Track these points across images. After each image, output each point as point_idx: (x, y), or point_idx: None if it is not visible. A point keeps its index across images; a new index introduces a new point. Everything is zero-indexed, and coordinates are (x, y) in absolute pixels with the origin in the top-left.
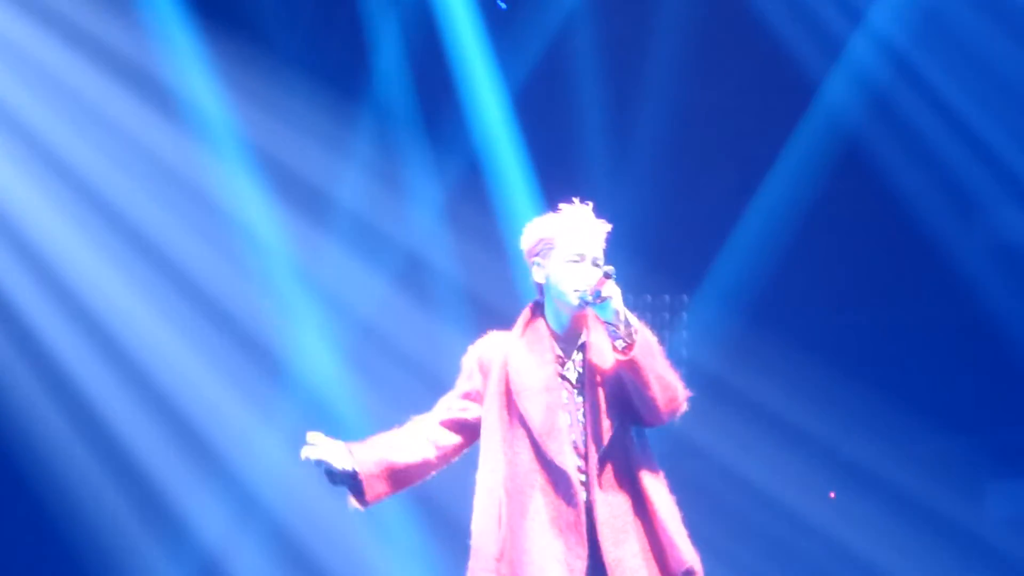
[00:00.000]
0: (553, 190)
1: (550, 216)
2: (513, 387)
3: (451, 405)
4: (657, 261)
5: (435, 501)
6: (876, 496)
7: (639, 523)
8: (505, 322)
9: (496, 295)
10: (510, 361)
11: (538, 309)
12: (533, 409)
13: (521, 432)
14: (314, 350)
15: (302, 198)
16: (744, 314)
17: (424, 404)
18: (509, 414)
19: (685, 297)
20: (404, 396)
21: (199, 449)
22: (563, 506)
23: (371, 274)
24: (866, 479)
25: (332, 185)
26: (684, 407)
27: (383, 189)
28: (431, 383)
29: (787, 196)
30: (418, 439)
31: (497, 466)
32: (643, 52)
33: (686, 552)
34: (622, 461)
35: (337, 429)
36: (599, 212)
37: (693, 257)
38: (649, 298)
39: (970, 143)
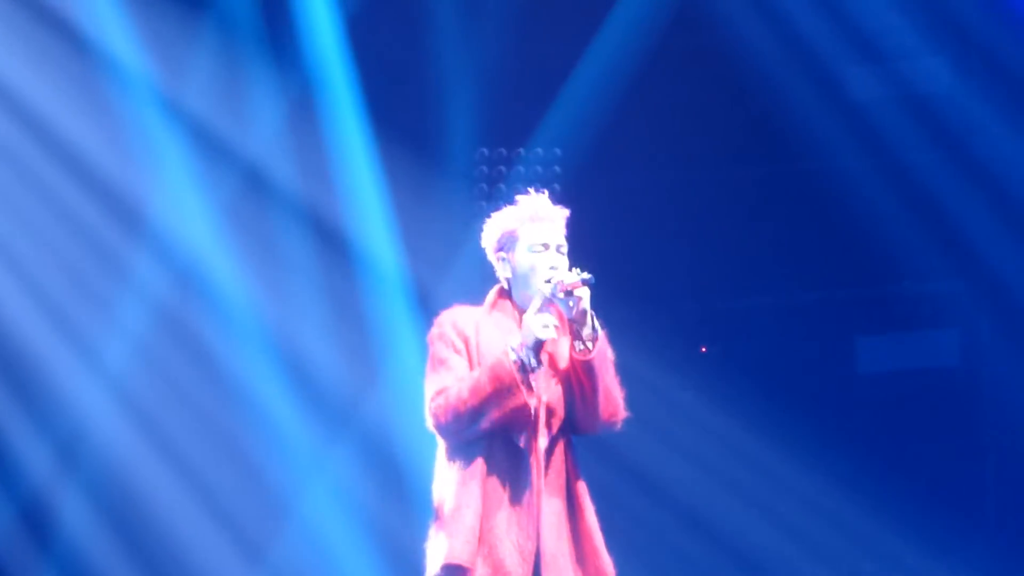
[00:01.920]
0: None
1: (509, 209)
2: (483, 361)
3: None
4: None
5: None
6: (743, 352)
7: (568, 524)
8: (339, 239)
9: (333, 211)
10: (481, 334)
11: (505, 293)
12: None
13: None
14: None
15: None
16: (577, 171)
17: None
18: None
19: (558, 151)
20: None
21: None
22: (520, 488)
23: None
24: (733, 334)
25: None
26: (619, 425)
27: (224, 102)
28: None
29: (625, 47)
30: None
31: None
32: None
33: (607, 564)
34: (559, 459)
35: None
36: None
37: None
38: (522, 151)
39: None
